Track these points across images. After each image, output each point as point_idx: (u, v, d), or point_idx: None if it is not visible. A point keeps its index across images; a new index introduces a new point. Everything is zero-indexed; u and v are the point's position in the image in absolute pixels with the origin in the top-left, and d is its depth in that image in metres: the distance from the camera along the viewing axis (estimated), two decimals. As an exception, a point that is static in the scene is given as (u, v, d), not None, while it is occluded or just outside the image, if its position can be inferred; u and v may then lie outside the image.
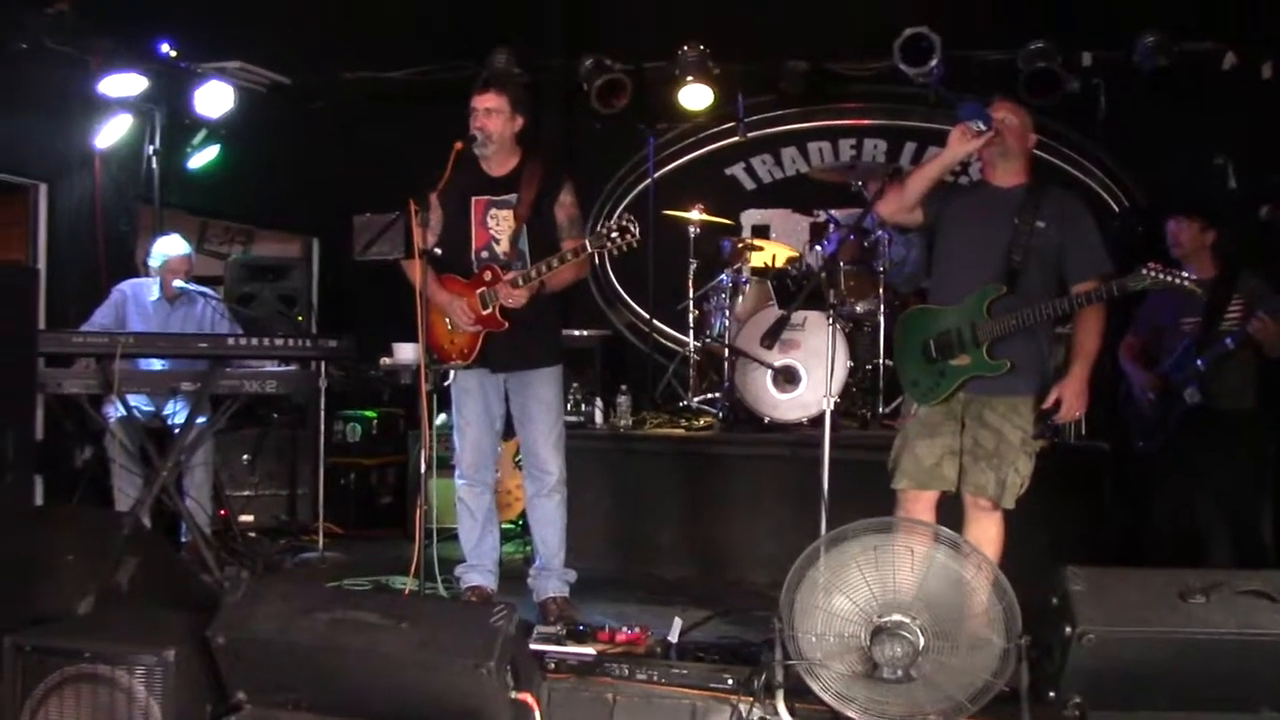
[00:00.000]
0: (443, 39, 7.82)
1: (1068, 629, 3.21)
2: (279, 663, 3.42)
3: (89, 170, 6.78)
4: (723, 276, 6.64)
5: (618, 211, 8.10)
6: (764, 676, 3.57)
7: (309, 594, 3.58)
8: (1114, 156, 7.36)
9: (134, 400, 5.49)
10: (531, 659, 3.71)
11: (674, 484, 6.04)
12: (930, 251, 4.33)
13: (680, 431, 6.36)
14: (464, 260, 4.71)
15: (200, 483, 6.00)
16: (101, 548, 4.14)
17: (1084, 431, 5.67)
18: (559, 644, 4.09)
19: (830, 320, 4.38)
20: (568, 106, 7.99)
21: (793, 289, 6.24)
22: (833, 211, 7.05)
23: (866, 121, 7.87)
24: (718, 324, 6.60)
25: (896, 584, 3.35)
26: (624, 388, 6.48)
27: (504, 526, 5.67)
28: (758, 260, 6.67)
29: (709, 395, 6.71)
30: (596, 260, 4.61)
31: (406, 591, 4.71)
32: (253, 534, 6.54)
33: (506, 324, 4.62)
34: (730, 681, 3.71)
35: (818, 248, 6.67)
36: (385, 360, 6.13)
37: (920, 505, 4.13)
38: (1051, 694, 3.30)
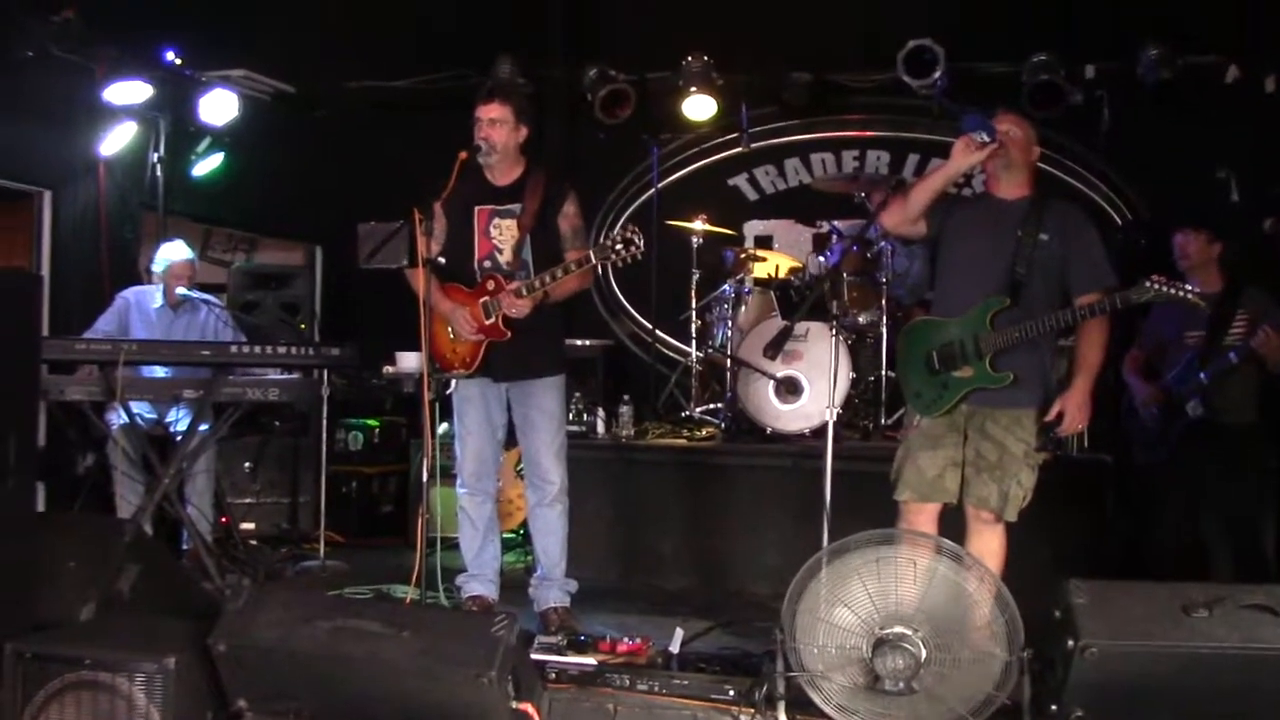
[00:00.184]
0: (447, 48, 7.84)
1: (1070, 642, 3.21)
2: (280, 671, 3.41)
3: (93, 177, 6.79)
4: (725, 287, 6.64)
5: (621, 221, 8.13)
6: (765, 688, 3.57)
7: (310, 602, 3.58)
8: (1117, 169, 7.36)
9: (136, 407, 5.50)
10: (533, 669, 3.70)
11: (676, 494, 6.04)
12: (933, 263, 4.34)
13: (682, 442, 6.35)
14: (467, 270, 4.72)
15: (202, 490, 5.99)
16: (103, 555, 4.14)
17: (1086, 444, 5.66)
18: (560, 654, 4.08)
19: (833, 331, 4.37)
20: (571, 116, 8.00)
21: (796, 299, 6.25)
22: (836, 222, 7.04)
23: (870, 133, 7.88)
24: (720, 334, 6.60)
25: (899, 596, 3.34)
26: (626, 398, 6.48)
27: (505, 536, 5.67)
28: (760, 271, 6.67)
29: (711, 406, 6.70)
30: (599, 270, 4.62)
31: (408, 600, 4.70)
32: (254, 542, 6.54)
33: (509, 334, 4.62)
34: (731, 693, 3.70)
35: (821, 258, 6.66)
36: (388, 368, 6.13)
37: (922, 517, 4.12)
38: (1053, 707, 3.30)
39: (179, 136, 7.24)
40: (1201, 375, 5.04)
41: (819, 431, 5.70)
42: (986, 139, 3.98)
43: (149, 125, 7.05)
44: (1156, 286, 3.82)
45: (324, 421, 6.40)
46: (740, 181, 8.13)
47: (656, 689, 3.77)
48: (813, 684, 3.41)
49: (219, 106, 7.16)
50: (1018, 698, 3.29)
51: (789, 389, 5.98)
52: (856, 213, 6.89)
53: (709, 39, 7.50)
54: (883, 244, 6.21)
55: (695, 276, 6.89)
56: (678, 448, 6.26)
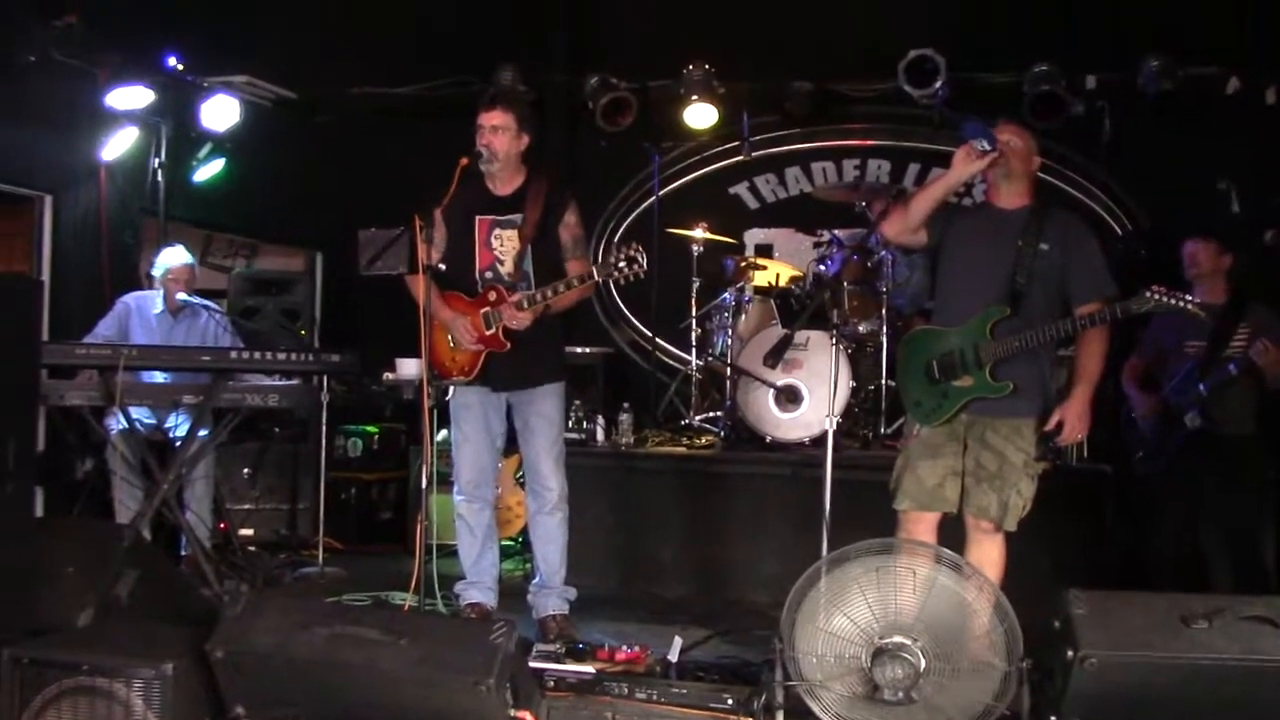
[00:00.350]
0: (448, 55, 7.84)
1: (1069, 653, 3.20)
2: (278, 677, 3.40)
3: (94, 182, 6.79)
4: (725, 295, 6.65)
5: (622, 228, 8.14)
6: (764, 697, 3.56)
7: (309, 609, 3.57)
8: (1118, 180, 7.37)
9: (136, 413, 5.50)
10: (531, 677, 3.69)
11: (675, 502, 6.04)
12: (933, 272, 4.34)
13: (682, 450, 6.35)
14: (468, 278, 4.72)
15: (201, 496, 5.99)
16: (101, 560, 4.14)
17: (1086, 454, 5.66)
18: (558, 662, 4.08)
19: (833, 340, 4.37)
20: (572, 124, 8.01)
21: (796, 308, 6.25)
22: (836, 231, 7.05)
23: (871, 142, 7.88)
24: (720, 343, 6.60)
25: (898, 605, 3.34)
26: (626, 405, 6.47)
27: (504, 544, 5.67)
28: (761, 279, 6.67)
29: (711, 414, 6.70)
30: (601, 280, 4.62)
31: (406, 607, 4.70)
32: (253, 548, 6.53)
33: (509, 345, 4.62)
34: (730, 701, 3.70)
35: (821, 267, 6.66)
36: (388, 375, 6.13)
37: (922, 526, 4.12)
38: (1053, 718, 3.29)
39: (180, 142, 7.25)
40: (1201, 386, 5.04)
41: (818, 440, 5.71)
42: (987, 147, 3.98)
43: (150, 130, 7.06)
44: (1157, 297, 3.83)
45: (323, 428, 6.39)
46: (741, 190, 8.14)
47: (655, 697, 3.76)
48: (811, 693, 3.40)
49: (220, 112, 7.16)
50: (1017, 708, 3.28)
51: (789, 398, 5.98)
52: (857, 222, 6.90)
53: (710, 47, 7.51)
54: (883, 253, 6.22)
55: (695, 285, 6.90)
56: (677, 456, 6.26)
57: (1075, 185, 7.38)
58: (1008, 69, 7.09)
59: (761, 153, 7.87)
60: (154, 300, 6.17)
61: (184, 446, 5.42)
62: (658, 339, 7.45)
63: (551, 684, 3.83)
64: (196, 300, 6.23)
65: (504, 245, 4.72)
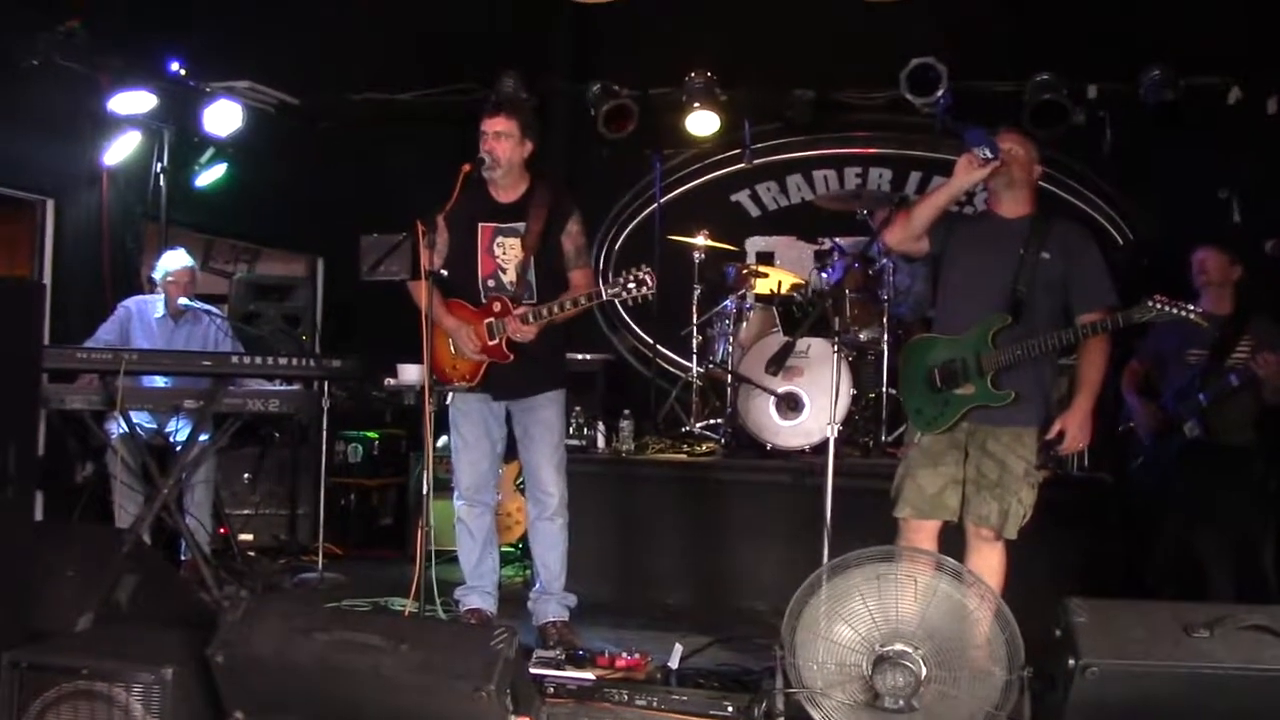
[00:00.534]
0: (450, 61, 7.84)
1: (1070, 661, 3.20)
2: (277, 682, 3.40)
3: (96, 187, 6.79)
4: (727, 302, 6.64)
5: (624, 235, 8.16)
6: (764, 704, 3.56)
7: (309, 614, 3.57)
8: (1119, 189, 7.38)
9: (136, 417, 5.49)
10: (531, 683, 3.69)
11: (676, 509, 6.02)
12: (935, 281, 4.34)
13: (682, 457, 6.34)
14: (471, 286, 4.72)
15: (201, 501, 5.98)
16: (101, 565, 4.14)
17: (1086, 463, 5.66)
18: (558, 668, 4.08)
19: (835, 348, 4.37)
20: (574, 131, 8.01)
21: (798, 315, 6.25)
22: (838, 239, 7.06)
23: (872, 150, 7.90)
24: (721, 350, 6.60)
25: (899, 613, 3.34)
26: (626, 412, 6.47)
27: (503, 550, 5.67)
28: (762, 287, 6.67)
29: (711, 421, 6.70)
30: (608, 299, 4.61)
31: (406, 613, 4.69)
32: (252, 553, 6.53)
33: (511, 356, 4.62)
34: (730, 709, 3.70)
35: (823, 274, 6.67)
36: (390, 381, 6.13)
37: (922, 534, 4.12)
38: (1054, 727, 3.29)
39: (183, 147, 7.25)
40: (1201, 397, 5.04)
41: (819, 448, 5.70)
42: (989, 155, 3.99)
43: (153, 135, 7.07)
44: (1159, 306, 3.83)
45: (324, 433, 6.39)
46: (742, 197, 8.15)
47: (655, 704, 3.76)
48: (812, 701, 3.40)
49: (223, 117, 7.18)
50: (1018, 716, 3.28)
51: (789, 405, 5.98)
52: (858, 229, 6.90)
53: (713, 55, 7.52)
54: (884, 261, 6.22)
55: (697, 292, 6.90)
56: (678, 463, 6.25)
57: (1076, 194, 7.40)
58: (1009, 78, 7.10)
59: (763, 160, 7.87)
60: (155, 305, 6.17)
61: (184, 451, 5.41)
62: (659, 346, 7.46)
63: (551, 690, 3.83)
64: (198, 305, 6.23)
65: (506, 253, 4.72)
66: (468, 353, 4.65)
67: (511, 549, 6.45)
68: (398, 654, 3.30)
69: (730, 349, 6.46)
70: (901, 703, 3.28)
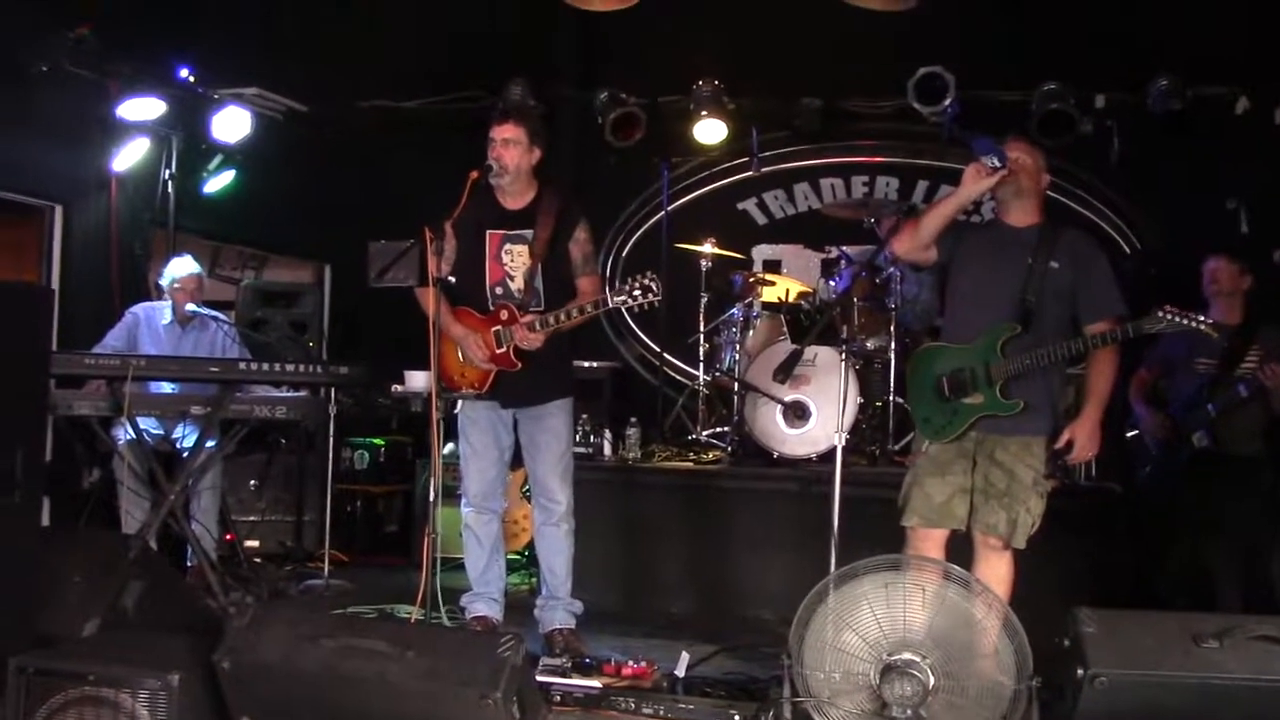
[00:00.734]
0: (458, 69, 7.86)
1: (1079, 671, 3.19)
2: (283, 689, 3.40)
3: (105, 193, 6.81)
4: (734, 310, 6.64)
5: (631, 243, 8.16)
6: (771, 713, 3.55)
7: (315, 620, 3.56)
8: (1126, 198, 7.37)
9: (143, 423, 5.49)
10: (537, 691, 3.68)
11: (682, 517, 6.02)
12: (942, 289, 4.34)
13: (689, 465, 6.34)
14: (478, 293, 4.72)
15: (207, 507, 5.98)
16: (108, 570, 4.15)
17: (1094, 472, 5.64)
18: (565, 676, 4.08)
19: (843, 356, 4.37)
20: (581, 139, 8.02)
21: (806, 323, 6.24)
22: (844, 248, 7.05)
23: (879, 159, 7.89)
24: (728, 358, 6.59)
25: (907, 622, 3.33)
26: (633, 420, 6.46)
27: (509, 557, 5.65)
28: (769, 295, 6.67)
29: (718, 429, 6.69)
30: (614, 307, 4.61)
31: (412, 620, 4.69)
32: (258, 559, 6.53)
33: (519, 364, 4.62)
34: (737, 718, 3.70)
35: (830, 283, 6.66)
36: (398, 387, 6.13)
37: (930, 543, 4.11)
38: (1062, 737, 3.28)
39: (191, 153, 7.26)
40: (1210, 407, 5.04)
41: (826, 456, 5.69)
42: (998, 164, 3.98)
43: (161, 142, 7.09)
44: (1169, 316, 3.82)
45: (330, 440, 6.39)
46: (749, 205, 8.14)
47: (661, 713, 3.76)
48: (819, 710, 3.39)
49: (231, 124, 7.19)
50: (1026, 726, 3.27)
51: (796, 413, 5.97)
52: (864, 238, 6.90)
53: (720, 63, 7.52)
54: (891, 270, 6.21)
55: (704, 300, 6.89)
56: (684, 471, 6.24)
57: (1084, 204, 7.38)
58: (1016, 87, 7.10)
59: (770, 169, 7.86)
60: (163, 311, 6.18)
61: (191, 457, 5.43)
62: (665, 353, 7.45)
63: (558, 698, 3.83)
64: (205, 311, 6.24)
65: (514, 261, 4.72)
66: (475, 360, 4.64)
67: (517, 556, 6.44)
68: (404, 661, 3.30)
69: (737, 357, 6.46)
70: (909, 712, 3.27)
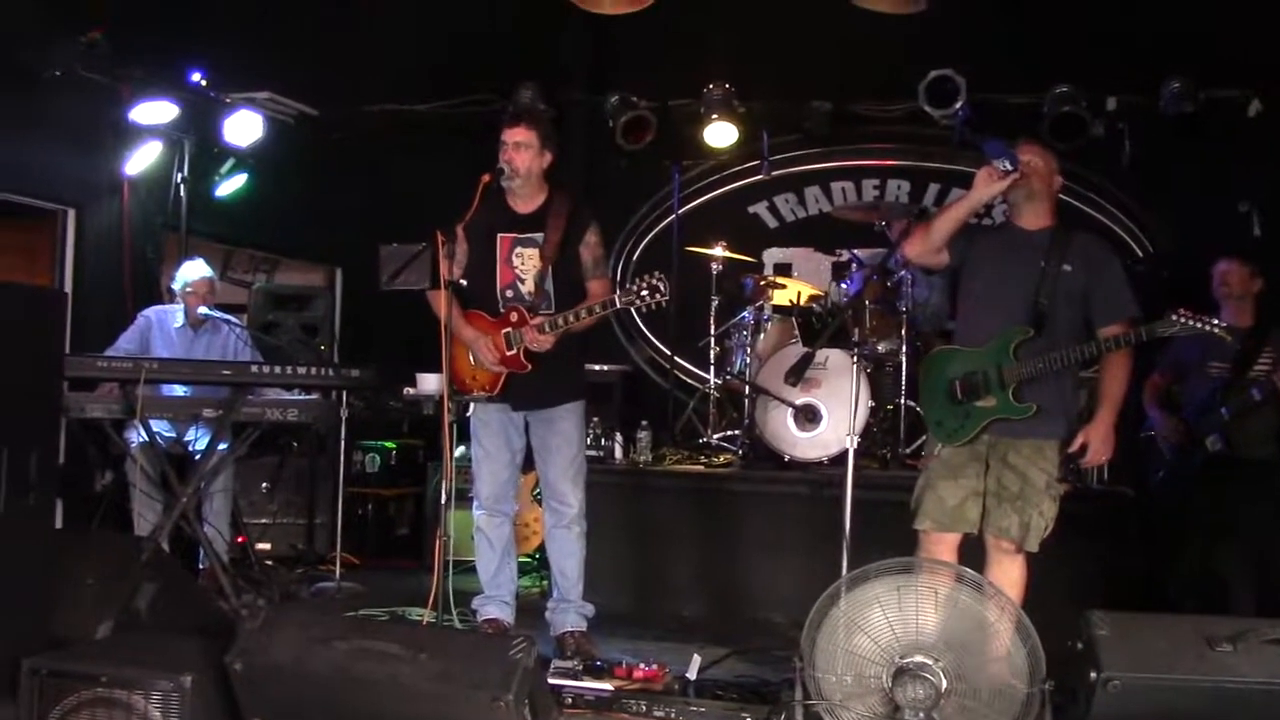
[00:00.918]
0: (469, 73, 7.87)
1: (1092, 674, 3.18)
2: (295, 691, 3.40)
3: (118, 197, 6.84)
4: (745, 314, 6.64)
5: (642, 246, 8.16)
6: (783, 716, 3.55)
7: (327, 623, 3.57)
8: (1138, 201, 7.35)
9: (156, 426, 5.51)
10: (549, 694, 3.69)
11: (693, 521, 6.02)
12: (953, 293, 4.33)
13: (699, 468, 6.34)
14: (490, 296, 4.72)
15: (219, 509, 6.00)
16: (120, 572, 4.15)
17: (1106, 476, 5.63)
18: (576, 679, 4.07)
19: (854, 359, 4.36)
20: (592, 142, 8.03)
21: (818, 326, 6.23)
22: (856, 251, 7.05)
23: (890, 162, 7.88)
24: (739, 361, 6.59)
25: (919, 625, 3.32)
26: (644, 423, 6.46)
27: (521, 560, 5.66)
28: (780, 298, 6.66)
29: (729, 432, 6.68)
30: (623, 307, 4.61)
31: (424, 622, 4.69)
32: (270, 562, 6.54)
33: (530, 366, 4.62)
34: (749, 720, 3.69)
35: (842, 285, 6.66)
36: (409, 390, 6.15)
37: (942, 547, 4.10)
38: (1075, 740, 3.27)
39: (203, 157, 7.29)
40: (1223, 411, 5.03)
41: (837, 460, 5.67)
42: (1009, 168, 3.98)
43: (174, 146, 7.11)
44: (1183, 320, 3.81)
45: (342, 443, 6.40)
46: (760, 209, 8.14)
47: (673, 716, 3.75)
48: (832, 713, 3.39)
49: (243, 128, 7.21)
50: (1039, 730, 3.26)
51: (807, 417, 5.96)
52: (875, 241, 6.89)
53: (731, 67, 7.52)
54: (903, 273, 6.20)
55: (714, 303, 6.89)
56: (695, 474, 6.24)
57: (1095, 206, 7.37)
58: (1027, 90, 7.09)
59: (781, 172, 7.86)
60: (175, 314, 6.20)
61: (203, 460, 5.44)
62: (676, 357, 7.44)
63: (569, 701, 3.83)
64: (218, 314, 6.25)
65: (525, 263, 4.72)
66: (486, 363, 4.65)
67: (529, 559, 6.45)
68: (416, 663, 3.30)
69: (748, 360, 6.45)
70: (921, 715, 3.27)
